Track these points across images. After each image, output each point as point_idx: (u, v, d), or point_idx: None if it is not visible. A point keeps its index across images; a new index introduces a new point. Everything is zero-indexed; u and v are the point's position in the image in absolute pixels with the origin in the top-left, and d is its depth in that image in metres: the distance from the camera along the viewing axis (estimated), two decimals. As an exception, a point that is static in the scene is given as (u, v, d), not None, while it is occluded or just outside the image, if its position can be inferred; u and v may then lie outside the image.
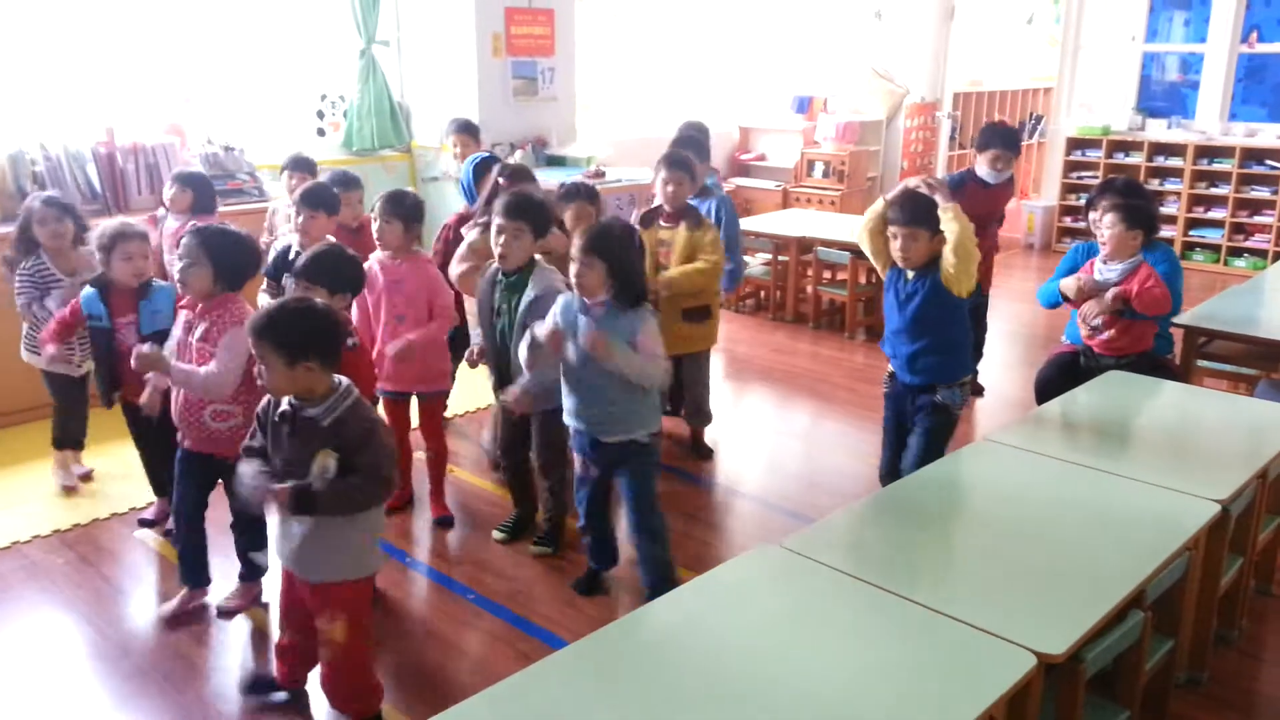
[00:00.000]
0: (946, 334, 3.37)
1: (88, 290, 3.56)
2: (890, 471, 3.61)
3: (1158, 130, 9.05)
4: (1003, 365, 5.92)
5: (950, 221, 3.19)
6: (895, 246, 3.32)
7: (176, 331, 3.20)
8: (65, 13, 5.45)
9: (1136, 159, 9.00)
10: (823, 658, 2.03)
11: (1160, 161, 8.90)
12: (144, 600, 3.45)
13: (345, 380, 2.49)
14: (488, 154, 4.83)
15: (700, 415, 4.61)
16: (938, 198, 3.25)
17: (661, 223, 4.28)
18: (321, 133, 6.73)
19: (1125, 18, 9.16)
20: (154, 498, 3.95)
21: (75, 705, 2.91)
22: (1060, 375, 3.96)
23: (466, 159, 4.56)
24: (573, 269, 3.02)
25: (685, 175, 4.24)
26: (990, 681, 1.89)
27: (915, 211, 3.25)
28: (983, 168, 4.88)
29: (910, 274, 3.35)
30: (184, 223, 4.64)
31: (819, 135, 9.30)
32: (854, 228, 4.29)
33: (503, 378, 3.50)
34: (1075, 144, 9.38)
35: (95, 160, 5.31)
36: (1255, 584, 3.36)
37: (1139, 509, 2.64)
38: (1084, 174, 9.26)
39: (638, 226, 4.04)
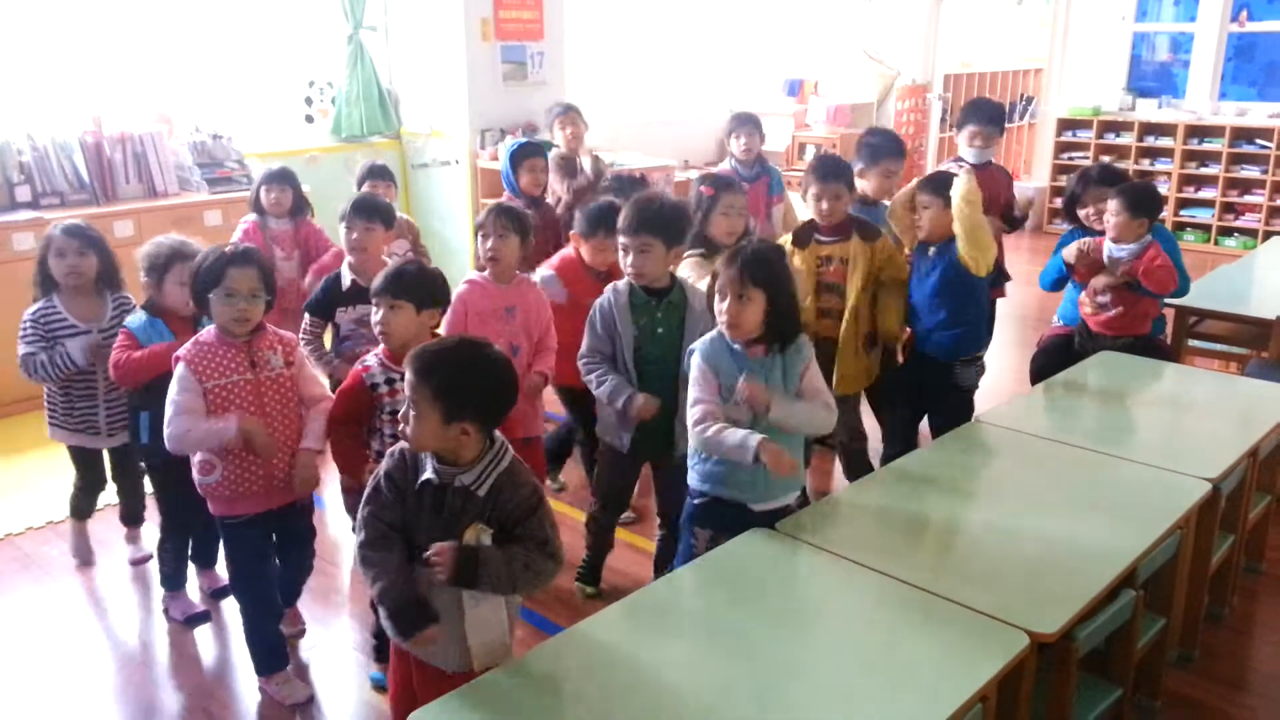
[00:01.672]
0: (963, 310, 3.53)
1: (139, 317, 3.01)
2: (898, 437, 3.74)
3: (1148, 110, 9.05)
4: (995, 346, 5.92)
5: (953, 191, 3.37)
6: (919, 219, 3.53)
7: (223, 379, 2.62)
8: (51, 2, 5.40)
9: (1127, 139, 9.01)
10: (816, 639, 2.04)
11: (1150, 141, 8.91)
12: (137, 591, 3.45)
13: (499, 436, 2.06)
14: (527, 140, 4.64)
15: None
16: (958, 170, 3.53)
17: (820, 237, 3.58)
18: (310, 119, 6.69)
19: (1115, -3, 9.15)
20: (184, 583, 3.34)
21: (70, 696, 2.91)
22: (1055, 358, 3.96)
23: (504, 145, 4.36)
24: (724, 304, 2.46)
25: (844, 188, 3.53)
26: (983, 661, 1.91)
27: (935, 183, 3.49)
28: (963, 147, 4.61)
29: (932, 249, 3.52)
30: (295, 226, 4.33)
31: (810, 118, 9.27)
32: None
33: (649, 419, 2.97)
34: (1066, 125, 9.38)
35: (83, 150, 5.28)
36: (1245, 561, 3.38)
37: (1130, 488, 2.65)
38: (1075, 154, 9.26)
39: (787, 244, 3.55)
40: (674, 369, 2.93)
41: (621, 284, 3.02)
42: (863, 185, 3.99)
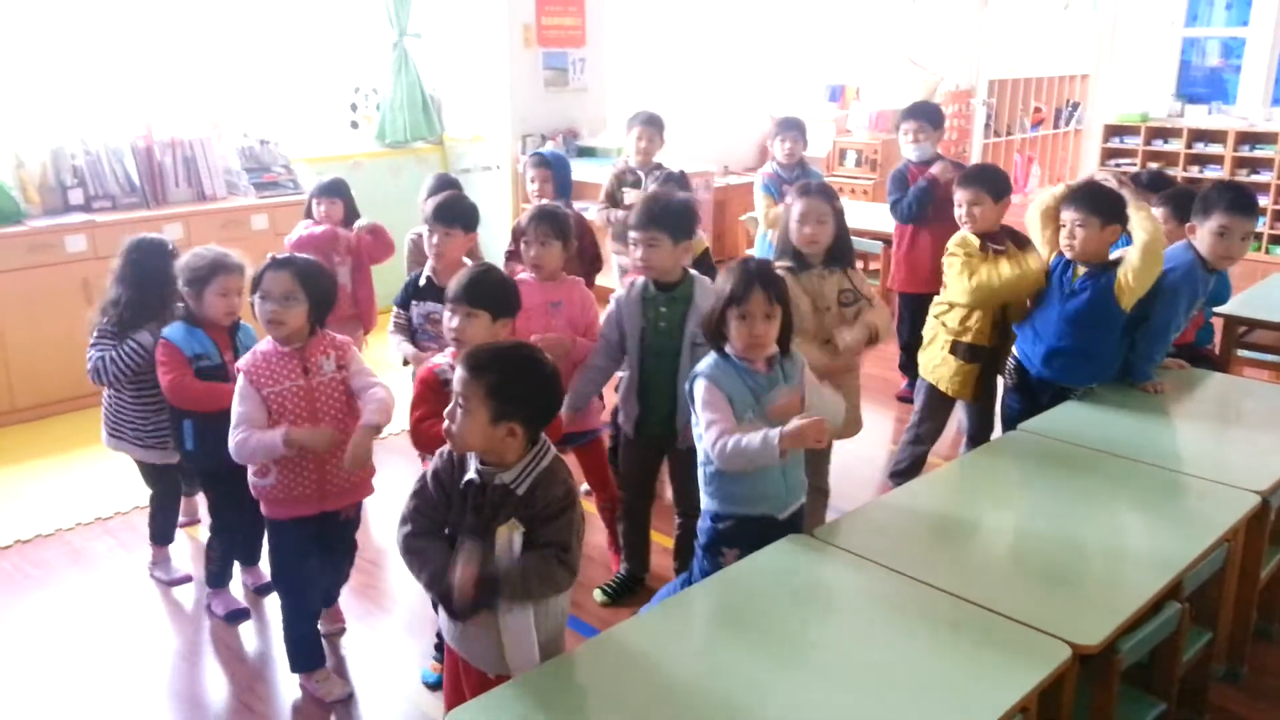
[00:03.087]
0: (1097, 342, 3.29)
1: (178, 327, 3.04)
2: None
3: (1198, 116, 8.90)
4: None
5: (1145, 220, 3.15)
6: (1063, 234, 3.26)
7: (278, 385, 2.68)
8: (103, 9, 5.53)
9: (1175, 146, 8.86)
10: (854, 648, 2.02)
11: (1200, 148, 8.75)
12: (185, 586, 3.51)
13: (542, 437, 2.08)
14: (535, 151, 4.72)
15: None
16: (1126, 194, 3.23)
17: (996, 247, 3.51)
18: (355, 125, 6.79)
19: (1164, 1, 9.01)
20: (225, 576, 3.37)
21: (113, 688, 2.96)
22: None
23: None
24: (751, 326, 2.42)
25: (984, 193, 3.54)
26: (1024, 672, 1.89)
27: (1091, 200, 3.21)
28: (905, 145, 4.74)
29: (1081, 269, 3.27)
30: (359, 231, 4.36)
31: (851, 124, 9.23)
32: (871, 221, 4.23)
33: (650, 407, 3.13)
34: (1113, 131, 9.25)
35: (134, 154, 5.39)
36: (1296, 576, 3.31)
37: (1176, 500, 2.61)
38: (1122, 161, 9.13)
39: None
40: (673, 362, 3.05)
41: (639, 279, 3.13)
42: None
